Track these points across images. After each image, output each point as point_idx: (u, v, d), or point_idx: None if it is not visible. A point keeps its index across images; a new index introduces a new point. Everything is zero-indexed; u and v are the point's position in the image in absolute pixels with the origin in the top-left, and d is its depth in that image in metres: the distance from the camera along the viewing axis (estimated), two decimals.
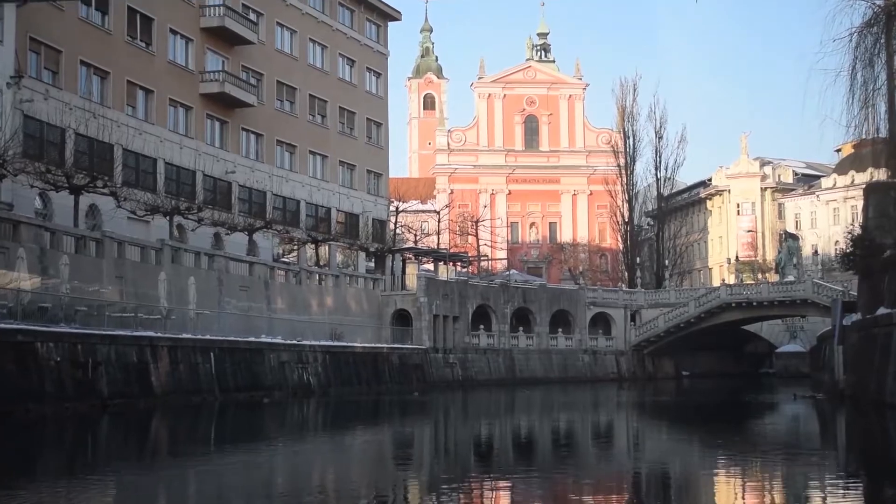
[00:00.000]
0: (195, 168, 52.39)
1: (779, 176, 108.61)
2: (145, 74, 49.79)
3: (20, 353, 29.54)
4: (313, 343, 47.36)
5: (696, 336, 74.57)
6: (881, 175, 40.94)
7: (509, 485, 17.71)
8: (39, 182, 39.41)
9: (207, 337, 39.93)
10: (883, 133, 32.58)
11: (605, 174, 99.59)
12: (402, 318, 59.84)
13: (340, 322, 53.99)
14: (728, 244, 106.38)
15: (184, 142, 52.08)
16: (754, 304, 72.20)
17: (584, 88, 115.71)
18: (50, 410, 30.03)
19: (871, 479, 18.98)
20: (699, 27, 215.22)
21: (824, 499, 16.50)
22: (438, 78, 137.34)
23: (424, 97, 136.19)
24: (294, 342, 45.79)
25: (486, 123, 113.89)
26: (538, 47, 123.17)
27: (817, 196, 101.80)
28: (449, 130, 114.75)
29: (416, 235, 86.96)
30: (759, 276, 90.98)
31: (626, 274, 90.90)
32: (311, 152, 62.81)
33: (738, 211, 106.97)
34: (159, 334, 36.92)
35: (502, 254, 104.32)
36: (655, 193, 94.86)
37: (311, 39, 63.40)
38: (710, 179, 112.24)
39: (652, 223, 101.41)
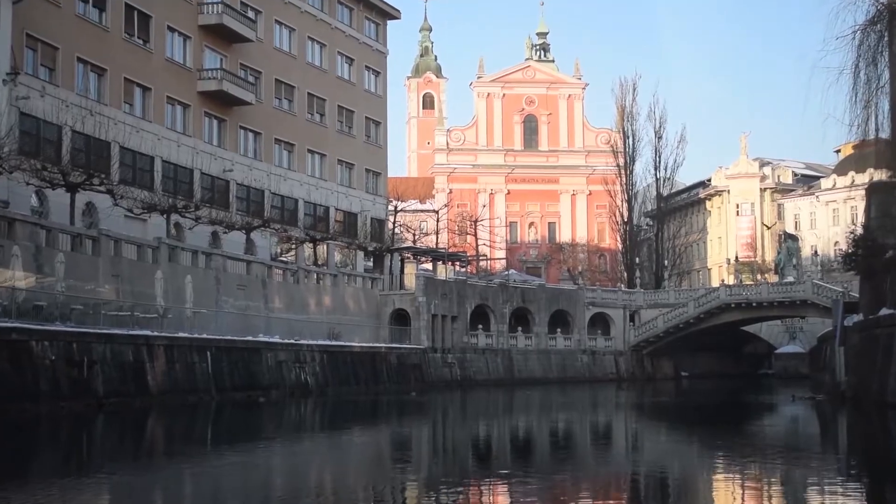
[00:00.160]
0: (193, 166, 52.14)
1: (778, 176, 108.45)
2: (143, 72, 49.53)
3: (15, 352, 29.32)
4: (311, 342, 47.13)
5: (695, 336, 74.38)
6: (881, 175, 40.70)
7: (507, 486, 17.59)
8: (35, 180, 39.19)
9: (204, 336, 39.69)
10: (886, 131, 32.31)
11: (605, 174, 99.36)
12: (401, 318, 59.62)
13: (338, 321, 53.74)
14: (727, 245, 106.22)
15: (181, 140, 51.82)
16: (754, 304, 71.99)
17: (584, 88, 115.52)
18: (45, 410, 29.82)
19: (875, 480, 18.79)
20: (699, 27, 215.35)
21: (825, 501, 16.32)
22: (437, 77, 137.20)
23: (423, 96, 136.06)
24: (292, 341, 45.56)
25: (485, 123, 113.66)
26: (537, 47, 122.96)
27: (817, 197, 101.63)
28: (448, 130, 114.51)
29: (414, 235, 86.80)
30: (759, 276, 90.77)
31: (626, 274, 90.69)
32: (309, 151, 62.55)
33: (738, 211, 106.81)
34: (156, 333, 36.67)
35: (501, 254, 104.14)
36: (655, 193, 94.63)
37: (309, 37, 63.15)
38: (709, 180, 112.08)
39: (651, 223, 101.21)
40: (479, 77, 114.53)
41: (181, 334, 38.38)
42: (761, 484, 18.39)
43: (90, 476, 18.61)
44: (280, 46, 60.89)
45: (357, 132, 67.23)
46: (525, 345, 68.97)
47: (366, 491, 17.29)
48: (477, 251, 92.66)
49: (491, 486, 17.68)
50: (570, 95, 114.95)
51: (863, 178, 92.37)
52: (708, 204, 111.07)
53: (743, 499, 16.56)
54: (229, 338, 41.33)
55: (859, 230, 41.83)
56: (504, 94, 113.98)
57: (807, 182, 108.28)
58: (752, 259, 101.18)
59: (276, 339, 44.75)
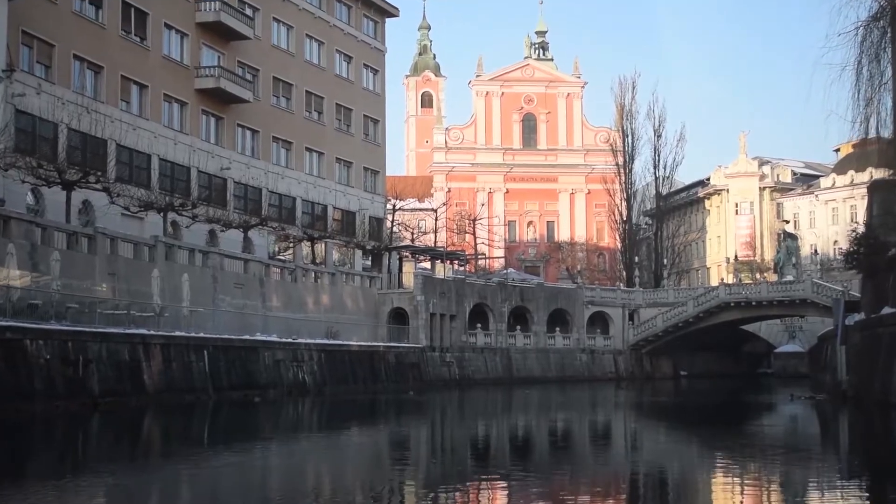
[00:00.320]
0: (190, 164, 51.88)
1: (777, 175, 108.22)
2: (140, 69, 49.28)
3: (9, 351, 29.06)
4: (309, 341, 46.90)
5: (694, 336, 74.20)
6: (882, 174, 40.49)
7: (506, 485, 17.50)
8: (31, 177, 38.95)
9: (201, 335, 39.49)
10: (889, 128, 32.04)
11: (604, 173, 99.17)
12: (399, 317, 59.40)
13: (336, 320, 53.52)
14: (726, 244, 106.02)
15: (178, 138, 51.55)
16: (753, 303, 71.82)
17: (583, 87, 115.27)
18: (39, 409, 29.58)
19: (879, 481, 18.56)
20: (698, 26, 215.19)
21: (828, 502, 16.13)
22: (436, 76, 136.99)
23: (422, 95, 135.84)
24: (289, 340, 45.33)
25: (483, 122, 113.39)
26: (536, 45, 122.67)
27: (816, 196, 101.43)
28: (446, 128, 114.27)
29: (413, 234, 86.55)
30: (758, 276, 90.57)
31: (625, 273, 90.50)
32: (307, 149, 62.30)
33: (737, 210, 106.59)
34: (152, 332, 36.44)
35: (500, 252, 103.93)
36: (654, 192, 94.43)
37: (307, 35, 62.89)
38: (708, 179, 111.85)
39: (650, 222, 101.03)
40: (477, 76, 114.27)
41: (178, 333, 38.15)
42: (763, 485, 18.21)
43: (85, 477, 18.42)
44: (278, 44, 60.63)
45: (355, 130, 66.98)
46: (524, 344, 68.77)
47: (364, 491, 17.14)
48: (475, 250, 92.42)
49: (489, 487, 17.55)
50: (568, 94, 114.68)
51: (862, 177, 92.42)
52: (707, 203, 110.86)
53: (743, 499, 16.37)
54: (226, 337, 41.11)
55: (861, 228, 41.60)
56: (503, 93, 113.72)
57: (806, 181, 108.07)
58: (752, 258, 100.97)
59: (274, 338, 44.52)
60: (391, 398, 45.53)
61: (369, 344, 53.31)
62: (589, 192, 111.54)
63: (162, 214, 45.50)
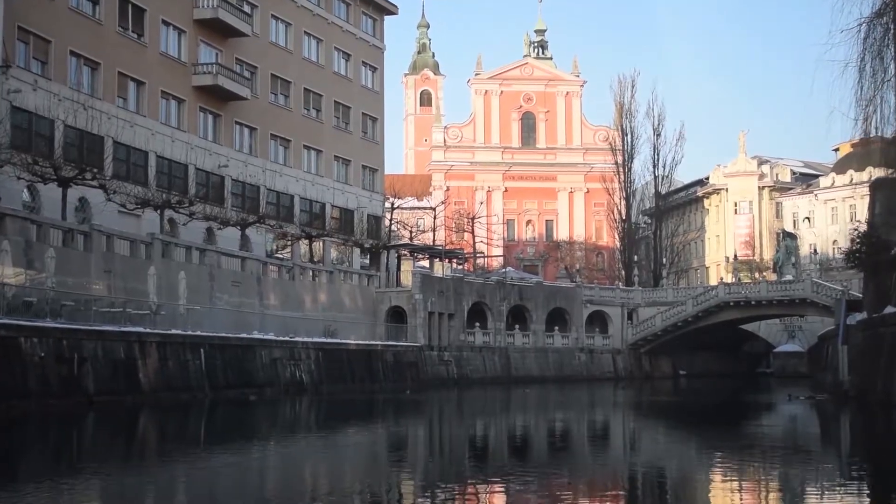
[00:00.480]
0: (187, 161, 51.57)
1: (776, 175, 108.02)
2: (137, 66, 48.97)
3: (3, 349, 28.80)
4: (306, 340, 46.66)
5: (693, 335, 74.04)
6: (880, 173, 40.24)
7: (504, 485, 17.39)
8: (27, 174, 38.63)
9: (198, 333, 39.21)
10: (892, 125, 31.80)
11: (603, 172, 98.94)
12: (397, 315, 59.17)
13: (334, 319, 53.29)
14: (725, 243, 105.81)
15: (176, 135, 51.26)
16: (752, 303, 71.68)
17: (582, 86, 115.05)
18: (34, 408, 29.33)
19: (883, 482, 18.32)
20: (698, 25, 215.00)
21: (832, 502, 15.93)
22: (435, 74, 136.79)
23: (421, 93, 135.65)
24: (287, 339, 45.08)
25: (482, 120, 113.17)
26: (535, 44, 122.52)
27: (815, 195, 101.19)
28: (445, 127, 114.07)
29: (411, 232, 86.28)
30: (757, 275, 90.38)
31: (623, 272, 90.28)
32: (305, 147, 62.02)
33: (736, 210, 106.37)
34: (148, 330, 36.18)
35: (498, 251, 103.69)
36: (652, 191, 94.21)
37: (305, 32, 62.59)
38: (707, 178, 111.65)
39: (649, 221, 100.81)
40: (476, 74, 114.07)
41: (174, 331, 37.87)
42: (763, 486, 18.04)
43: (80, 476, 18.21)
44: (276, 41, 60.33)
45: (354, 128, 66.71)
46: (522, 343, 68.56)
47: (362, 492, 16.97)
48: (474, 249, 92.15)
49: (488, 486, 17.43)
50: (568, 93, 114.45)
51: (862, 177, 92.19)
52: (706, 202, 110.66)
53: (742, 501, 16.18)
54: (223, 335, 40.86)
55: (863, 227, 41.33)
56: (502, 92, 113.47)
57: (805, 180, 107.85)
58: (751, 258, 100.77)
59: (271, 337, 44.27)
60: (389, 397, 45.32)
61: (367, 343, 53.08)
62: (588, 191, 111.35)
63: (159, 212, 45.20)
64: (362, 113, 67.58)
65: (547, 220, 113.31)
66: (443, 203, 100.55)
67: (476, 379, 61.91)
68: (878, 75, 30.49)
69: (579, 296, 74.53)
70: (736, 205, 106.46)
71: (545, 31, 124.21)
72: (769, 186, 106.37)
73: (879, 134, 32.76)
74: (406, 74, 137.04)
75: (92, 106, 44.79)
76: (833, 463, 21.91)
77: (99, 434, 27.58)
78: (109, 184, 42.31)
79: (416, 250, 71.27)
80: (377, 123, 69.68)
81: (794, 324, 78.11)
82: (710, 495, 17.09)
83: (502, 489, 17.05)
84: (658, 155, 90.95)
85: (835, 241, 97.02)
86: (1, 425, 26.77)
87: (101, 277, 37.93)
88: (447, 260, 71.58)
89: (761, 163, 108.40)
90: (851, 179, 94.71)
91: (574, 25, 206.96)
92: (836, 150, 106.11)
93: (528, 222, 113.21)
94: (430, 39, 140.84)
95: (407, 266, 63.49)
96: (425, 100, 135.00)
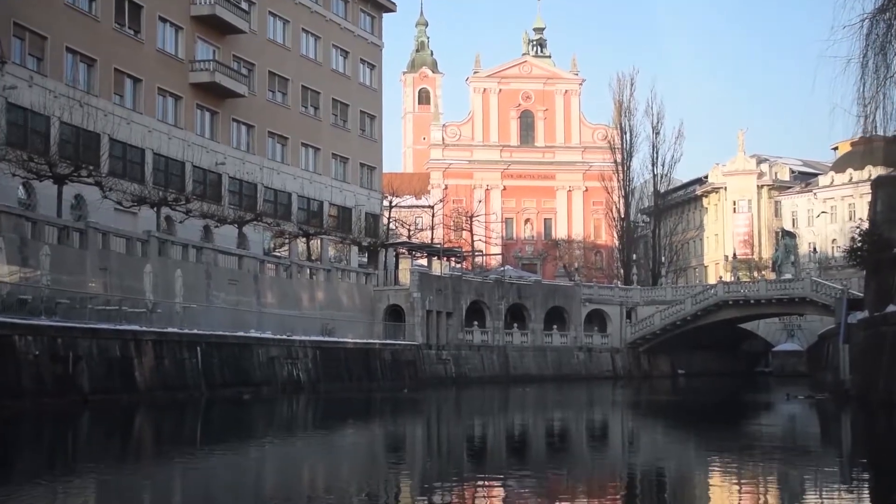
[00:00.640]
0: (184, 159, 51.24)
1: (775, 173, 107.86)
2: (133, 62, 48.64)
3: None
4: (304, 338, 46.43)
5: (692, 334, 73.87)
6: (879, 172, 39.97)
7: (502, 485, 17.32)
8: (22, 171, 38.31)
9: (194, 331, 38.94)
10: (895, 122, 31.50)
11: (601, 170, 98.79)
12: (395, 314, 58.94)
13: (332, 317, 53.06)
14: (724, 242, 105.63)
15: (172, 132, 50.95)
16: (751, 301, 71.51)
17: (581, 84, 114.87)
18: (28, 407, 29.08)
19: (886, 483, 18.09)
20: (697, 23, 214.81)
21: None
22: (433, 72, 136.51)
23: (419, 92, 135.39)
24: (284, 337, 44.85)
25: (481, 118, 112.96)
26: (534, 42, 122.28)
27: (814, 194, 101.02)
28: (444, 125, 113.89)
29: (409, 230, 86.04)
30: (756, 274, 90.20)
31: (622, 271, 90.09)
32: (303, 144, 61.73)
33: (735, 208, 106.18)
34: (144, 328, 35.91)
35: (497, 250, 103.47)
36: (651, 190, 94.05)
37: (303, 30, 62.29)
38: (706, 177, 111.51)
39: (647, 220, 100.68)
40: (475, 72, 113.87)
41: (170, 329, 37.61)
42: (765, 487, 17.85)
43: (75, 476, 18.05)
44: (274, 38, 60.02)
45: (352, 126, 66.42)
46: (521, 341, 68.33)
47: (359, 491, 16.84)
48: (472, 247, 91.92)
49: (486, 486, 17.36)
50: (566, 91, 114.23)
51: (861, 175, 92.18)
52: (705, 201, 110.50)
53: (742, 501, 16.00)
54: (220, 333, 40.60)
55: (865, 225, 41.06)
56: (500, 90, 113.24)
57: (804, 179, 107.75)
58: (750, 256, 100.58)
59: (268, 335, 44.03)
60: (387, 396, 45.10)
61: (365, 341, 52.86)
62: (586, 190, 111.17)
63: (155, 209, 44.90)
64: (360, 110, 67.29)
65: (545, 219, 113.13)
66: (441, 201, 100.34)
67: (474, 378, 61.69)
68: (881, 72, 30.25)
69: (578, 294, 74.32)
70: (735, 203, 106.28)
71: (544, 29, 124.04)
72: (768, 185, 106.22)
73: (882, 130, 32.49)
74: (404, 72, 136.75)
75: (88, 103, 44.39)
76: (834, 463, 21.69)
77: (94, 433, 27.37)
78: (105, 181, 42.03)
79: (414, 248, 71.07)
80: (375, 121, 69.40)
81: (793, 323, 77.95)
82: (709, 495, 16.96)
83: (500, 489, 16.94)
84: (657, 153, 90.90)
85: (833, 240, 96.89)
86: None
87: (96, 275, 37.65)
88: (445, 258, 71.38)
89: (760, 161, 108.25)
90: (851, 178, 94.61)
91: (573, 24, 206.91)
92: (835, 148, 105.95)
93: (527, 221, 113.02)
94: (428, 37, 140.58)
95: (405, 264, 63.28)
96: (424, 98, 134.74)
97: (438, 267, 66.66)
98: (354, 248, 63.35)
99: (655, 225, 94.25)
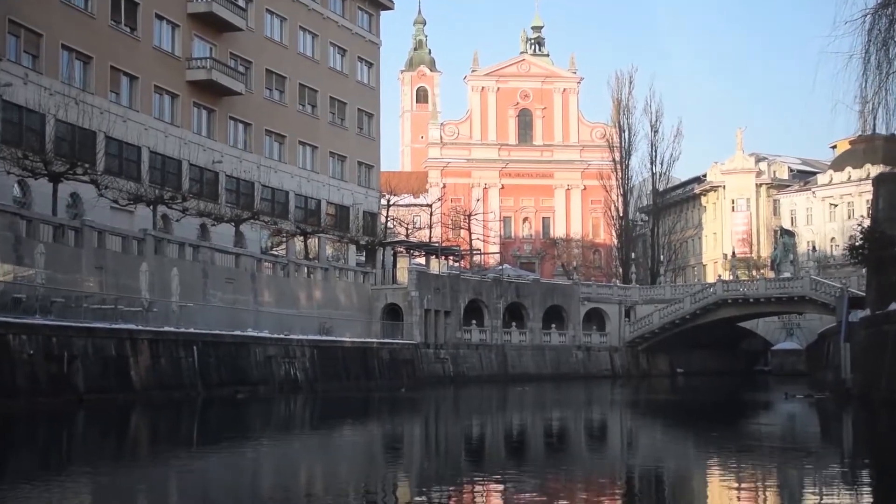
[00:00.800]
0: (181, 157, 51.02)
1: (774, 172, 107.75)
2: (130, 60, 48.38)
3: None
4: (301, 337, 46.17)
5: (690, 333, 73.68)
6: (878, 171, 39.70)
7: (501, 485, 17.21)
8: (17, 169, 38.04)
9: (191, 330, 38.68)
10: None
11: (600, 168, 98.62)
12: (393, 313, 58.69)
13: (329, 316, 52.83)
14: (722, 240, 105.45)
15: (169, 130, 50.69)
16: (750, 300, 71.32)
17: (579, 82, 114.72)
18: (22, 406, 28.84)
19: (890, 483, 17.85)
20: (696, 22, 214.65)
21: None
22: (431, 71, 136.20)
23: (417, 90, 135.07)
24: (281, 336, 44.58)
25: (479, 117, 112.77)
26: (532, 41, 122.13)
27: (813, 192, 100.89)
28: (442, 124, 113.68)
29: (407, 229, 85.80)
30: (754, 272, 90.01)
31: (621, 270, 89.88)
32: (300, 142, 61.47)
33: (733, 207, 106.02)
34: (140, 327, 35.64)
35: (495, 248, 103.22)
36: (650, 189, 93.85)
37: (301, 27, 62.04)
38: (704, 175, 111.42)
39: (646, 219, 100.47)
40: (473, 71, 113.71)
41: (167, 328, 37.38)
42: (766, 488, 17.60)
43: (69, 476, 17.89)
44: (271, 36, 59.75)
45: (349, 124, 66.17)
46: (519, 340, 68.09)
47: (357, 491, 16.74)
48: (471, 246, 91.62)
49: (484, 485, 17.22)
50: (564, 90, 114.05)
51: (860, 174, 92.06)
52: (703, 199, 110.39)
53: (741, 501, 15.79)
54: (217, 332, 40.36)
55: (866, 222, 40.76)
56: (498, 88, 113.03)
57: (803, 178, 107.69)
58: (748, 255, 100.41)
59: (265, 334, 43.78)
60: (385, 395, 44.86)
61: (363, 340, 52.64)
62: (585, 189, 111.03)
63: (152, 208, 44.65)
64: (358, 109, 67.04)
65: (544, 218, 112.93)
66: (439, 200, 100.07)
67: (472, 377, 61.45)
68: (883, 67, 30.00)
69: (576, 293, 74.10)
70: (733, 202, 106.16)
71: (542, 27, 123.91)
72: (767, 184, 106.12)
73: (885, 127, 32.26)
74: (402, 71, 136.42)
75: (84, 100, 44.16)
76: (836, 463, 21.43)
77: (89, 433, 27.17)
78: (101, 179, 41.76)
79: (412, 247, 70.78)
80: (373, 119, 69.14)
81: (792, 321, 77.74)
82: (707, 495, 16.82)
83: (499, 488, 16.82)
84: (655, 152, 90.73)
85: (832, 239, 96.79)
86: None
87: (92, 274, 37.41)
88: (443, 257, 71.14)
89: (759, 160, 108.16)
90: (849, 177, 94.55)
91: (571, 22, 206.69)
92: (834, 147, 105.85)
93: (525, 219, 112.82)
94: (426, 36, 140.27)
95: (403, 263, 63.03)
96: (422, 97, 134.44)
97: (436, 266, 66.45)
98: (352, 247, 63.08)
99: (654, 223, 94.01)
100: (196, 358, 37.75)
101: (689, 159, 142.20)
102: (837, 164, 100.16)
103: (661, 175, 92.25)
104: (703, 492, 17.24)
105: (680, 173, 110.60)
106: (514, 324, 68.09)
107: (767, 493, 16.74)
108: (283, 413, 35.63)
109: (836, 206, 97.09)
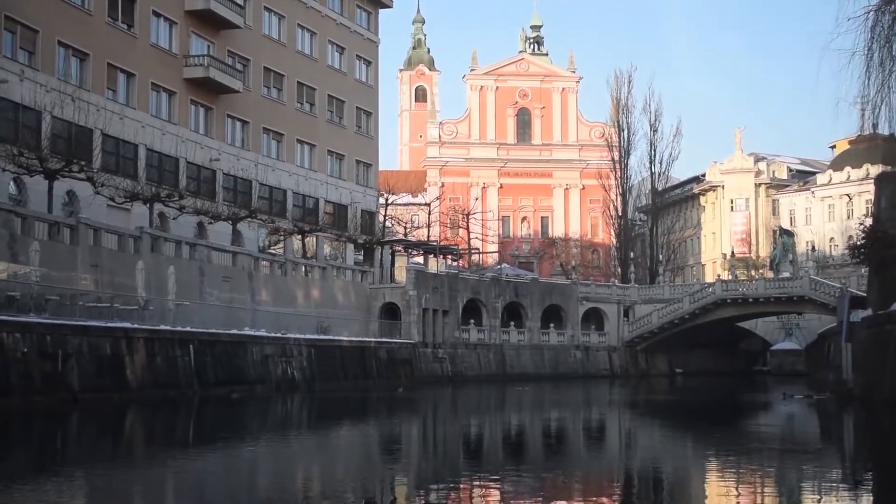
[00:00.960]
0: (178, 155, 50.79)
1: (773, 172, 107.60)
2: (127, 57, 48.12)
3: None
4: (298, 336, 45.91)
5: (689, 333, 73.44)
6: (877, 171, 39.44)
7: (499, 484, 17.12)
8: (12, 166, 37.77)
9: (187, 329, 38.38)
10: None
11: (599, 168, 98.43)
12: (391, 312, 58.43)
13: (327, 315, 52.58)
14: (721, 240, 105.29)
15: (166, 128, 50.42)
16: (750, 300, 71.09)
17: (578, 82, 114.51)
18: (16, 405, 28.55)
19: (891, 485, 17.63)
20: (695, 21, 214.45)
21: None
22: (430, 70, 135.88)
23: (416, 89, 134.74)
24: (278, 335, 44.32)
25: (478, 116, 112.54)
26: (531, 40, 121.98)
27: (812, 192, 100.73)
28: (440, 123, 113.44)
29: (405, 228, 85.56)
30: (753, 272, 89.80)
31: (619, 269, 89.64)
32: (298, 141, 61.22)
33: (732, 207, 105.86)
34: (135, 325, 35.34)
35: (493, 248, 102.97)
36: (649, 189, 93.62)
37: (299, 25, 61.79)
38: (703, 175, 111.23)
39: (645, 218, 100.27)
40: (472, 70, 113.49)
41: (163, 327, 37.08)
42: (766, 488, 17.44)
43: (63, 476, 17.68)
44: (269, 34, 59.48)
45: (348, 122, 65.92)
46: (518, 340, 67.83)
47: (354, 491, 16.62)
48: (469, 245, 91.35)
49: (482, 485, 17.13)
50: (563, 89, 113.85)
51: (859, 174, 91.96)
52: (702, 199, 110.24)
53: (741, 501, 15.64)
54: (213, 331, 40.07)
55: (868, 221, 40.49)
56: (497, 87, 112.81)
57: (802, 177, 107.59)
58: (747, 255, 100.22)
59: (263, 333, 43.50)
60: (382, 395, 44.61)
61: (360, 339, 52.38)
62: (583, 188, 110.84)
63: (148, 206, 44.38)
64: (356, 107, 66.81)
65: (542, 217, 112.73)
66: (438, 199, 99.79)
67: (471, 376, 61.19)
68: (887, 65, 29.74)
69: (575, 293, 73.85)
70: (732, 202, 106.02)
71: (541, 26, 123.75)
72: (765, 183, 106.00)
73: (887, 124, 32.00)
74: (401, 70, 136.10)
75: (80, 97, 43.94)
76: (838, 465, 21.21)
77: (84, 432, 26.91)
78: (98, 177, 41.53)
79: (410, 246, 70.53)
80: (371, 118, 68.89)
81: (791, 321, 77.57)
82: (706, 496, 16.69)
83: (496, 488, 16.71)
84: (655, 151, 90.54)
85: (831, 239, 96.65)
86: None
87: (87, 272, 37.14)
88: (442, 256, 70.89)
89: (758, 160, 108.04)
90: (849, 177, 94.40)
91: (570, 21, 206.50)
92: (833, 147, 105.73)
93: (524, 219, 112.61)
94: (425, 35, 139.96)
95: (401, 262, 62.81)
96: (420, 96, 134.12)
97: (435, 265, 66.21)
98: (350, 246, 62.84)
99: (653, 223, 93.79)
100: (192, 357, 37.47)
101: (688, 159, 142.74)
102: (837, 164, 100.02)
103: (660, 174, 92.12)
104: (701, 492, 17.10)
105: (679, 173, 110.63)
106: (512, 323, 67.85)
107: (768, 495, 16.54)
108: (280, 413, 35.37)
109: (833, 206, 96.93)
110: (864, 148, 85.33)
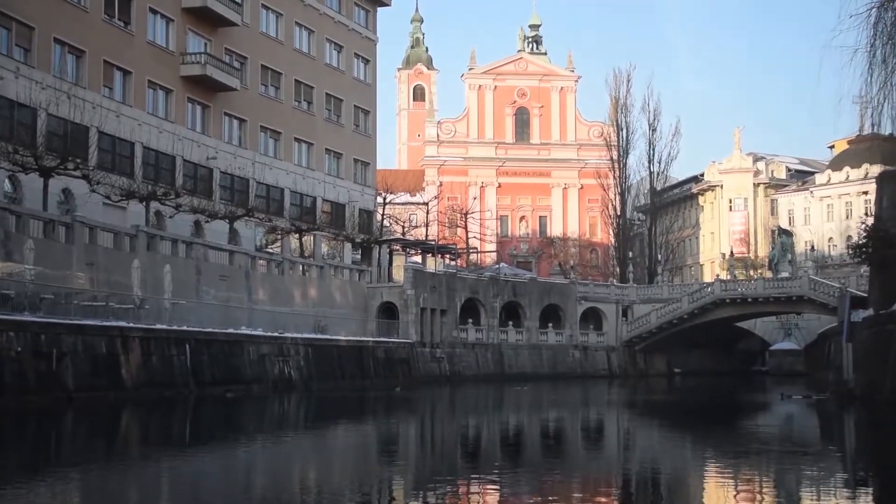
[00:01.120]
0: (175, 153, 50.55)
1: (772, 171, 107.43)
2: (123, 54, 47.91)
3: None
4: (295, 336, 45.70)
5: (688, 332, 73.27)
6: (877, 170, 39.23)
7: (497, 485, 16.98)
8: (7, 163, 37.53)
9: (183, 328, 38.17)
10: None
11: (597, 167, 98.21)
12: (389, 311, 58.21)
13: (324, 314, 52.36)
14: (720, 240, 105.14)
15: (163, 125, 50.19)
16: (749, 300, 70.92)
17: (576, 81, 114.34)
18: (10, 404, 28.35)
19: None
20: (694, 20, 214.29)
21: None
22: (429, 69, 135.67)
23: (414, 88, 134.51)
24: (275, 334, 44.11)
25: (476, 115, 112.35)
26: (530, 39, 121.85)
27: (811, 192, 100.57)
28: (439, 122, 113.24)
29: (403, 227, 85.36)
30: (752, 272, 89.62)
31: (618, 269, 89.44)
32: (296, 139, 60.99)
33: (731, 207, 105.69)
34: (131, 324, 35.13)
35: (492, 247, 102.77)
36: (647, 188, 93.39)
37: (297, 23, 61.56)
38: (702, 174, 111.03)
39: (643, 218, 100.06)
40: (470, 69, 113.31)
41: (158, 326, 36.88)
42: (766, 488, 17.26)
43: (58, 476, 17.49)
44: (266, 31, 59.25)
45: (345, 121, 65.69)
46: (516, 339, 67.63)
47: (352, 490, 16.49)
48: (467, 244, 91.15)
49: (480, 485, 16.98)
50: (562, 88, 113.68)
51: (858, 174, 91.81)
52: (701, 199, 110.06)
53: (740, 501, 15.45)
54: (210, 330, 39.85)
55: (870, 220, 40.24)
56: (496, 87, 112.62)
57: (801, 177, 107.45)
58: (746, 255, 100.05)
59: (259, 332, 43.28)
60: (380, 394, 44.41)
61: (358, 339, 52.16)
62: (582, 188, 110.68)
63: (144, 204, 44.14)
64: (354, 105, 66.59)
65: (541, 216, 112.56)
66: (436, 198, 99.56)
67: (469, 376, 61.00)
68: (889, 62, 29.51)
69: (573, 292, 73.65)
70: (731, 201, 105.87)
71: (540, 25, 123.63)
72: (764, 183, 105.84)
73: (890, 122, 31.76)
74: (399, 69, 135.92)
75: (76, 95, 43.74)
76: (838, 466, 20.97)
77: (79, 432, 26.74)
78: (93, 174, 41.27)
79: (408, 245, 70.32)
80: (369, 116, 68.66)
81: (790, 321, 77.42)
82: (704, 497, 16.53)
83: (494, 488, 16.59)
84: (653, 151, 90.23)
85: (830, 239, 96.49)
86: None
87: (82, 270, 36.88)
88: (440, 255, 70.68)
89: (756, 159, 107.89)
90: (848, 176, 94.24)
91: (569, 20, 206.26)
92: (832, 147, 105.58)
93: (522, 218, 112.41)
94: (423, 34, 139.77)
95: (399, 261, 62.58)
96: (419, 95, 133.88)
97: (433, 264, 66.01)
98: (348, 245, 62.59)
99: (651, 223, 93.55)
100: (188, 356, 37.25)
101: (686, 158, 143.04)
102: (836, 164, 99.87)
103: (658, 174, 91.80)
104: (699, 493, 16.96)
105: (678, 172, 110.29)
106: (510, 323, 67.65)
107: (767, 496, 16.33)
108: (276, 412, 35.17)
109: (832, 206, 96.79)
110: (863, 148, 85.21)
